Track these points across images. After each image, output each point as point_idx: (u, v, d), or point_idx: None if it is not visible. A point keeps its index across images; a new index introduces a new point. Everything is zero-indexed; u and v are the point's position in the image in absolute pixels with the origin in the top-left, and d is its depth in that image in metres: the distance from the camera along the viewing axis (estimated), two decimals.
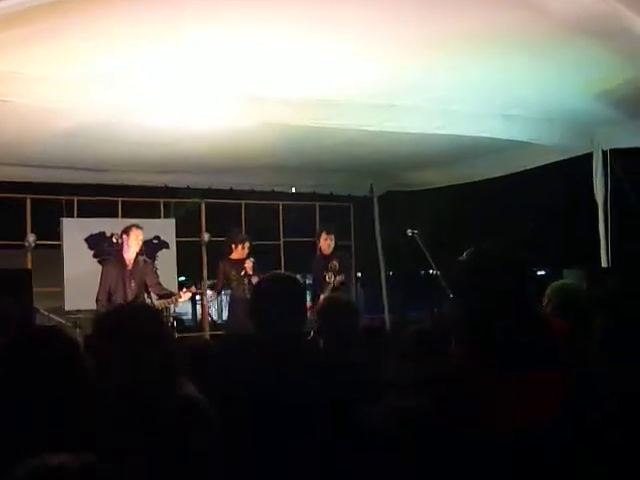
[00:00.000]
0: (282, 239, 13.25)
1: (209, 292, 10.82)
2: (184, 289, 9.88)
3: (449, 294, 9.39)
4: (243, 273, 10.38)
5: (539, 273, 11.86)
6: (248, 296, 8.33)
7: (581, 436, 2.51)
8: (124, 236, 9.54)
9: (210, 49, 6.49)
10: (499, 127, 8.97)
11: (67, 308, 10.91)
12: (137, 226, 9.60)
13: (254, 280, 9.49)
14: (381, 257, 12.99)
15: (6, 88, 6.75)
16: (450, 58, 6.90)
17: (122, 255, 9.57)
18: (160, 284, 9.77)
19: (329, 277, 10.37)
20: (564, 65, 7.18)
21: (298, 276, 4.51)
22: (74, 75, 6.85)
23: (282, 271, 4.62)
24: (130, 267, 9.51)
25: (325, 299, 5.27)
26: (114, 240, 9.91)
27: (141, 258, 9.67)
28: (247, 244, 10.73)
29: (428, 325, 5.36)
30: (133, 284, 9.39)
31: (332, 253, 10.67)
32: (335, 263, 10.41)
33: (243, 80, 7.30)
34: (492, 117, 8.83)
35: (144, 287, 9.54)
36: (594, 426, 2.53)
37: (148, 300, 9.44)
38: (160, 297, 9.69)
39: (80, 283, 11.01)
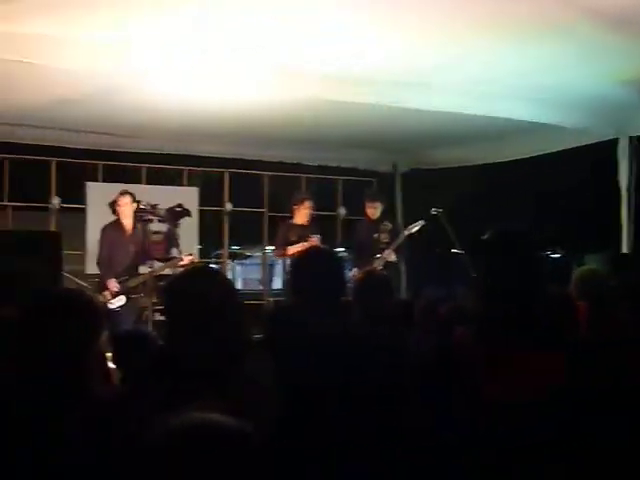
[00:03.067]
0: None
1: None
2: (185, 254, 9.95)
3: (472, 273, 9.43)
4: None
5: (557, 256, 11.86)
6: None
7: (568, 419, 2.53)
8: (117, 202, 9.75)
9: (244, 20, 6.51)
10: (526, 109, 9.00)
11: (88, 271, 10.99)
12: (126, 192, 9.80)
13: None
14: (402, 234, 12.98)
15: (36, 50, 6.77)
16: (482, 41, 6.94)
17: (120, 220, 9.77)
18: (160, 249, 9.92)
19: (383, 237, 10.75)
20: (594, 52, 7.21)
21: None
22: (103, 39, 6.88)
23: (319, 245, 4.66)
24: (129, 232, 9.68)
25: (363, 273, 5.31)
26: (142, 207, 9.96)
27: (138, 223, 9.81)
28: (308, 203, 10.74)
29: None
30: (132, 248, 9.53)
31: (380, 217, 10.95)
32: (387, 224, 10.89)
33: (275, 52, 7.32)
34: (520, 99, 8.85)
35: (146, 251, 9.64)
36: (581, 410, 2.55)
37: (149, 264, 9.53)
38: (161, 261, 9.82)
39: None
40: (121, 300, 9.37)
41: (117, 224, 9.81)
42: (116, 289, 9.41)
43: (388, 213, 11.26)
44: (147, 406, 3.17)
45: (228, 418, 1.57)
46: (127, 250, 9.61)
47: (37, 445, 2.69)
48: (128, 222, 9.71)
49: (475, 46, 7.06)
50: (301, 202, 10.73)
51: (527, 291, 2.72)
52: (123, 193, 9.77)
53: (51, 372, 2.88)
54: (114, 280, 9.46)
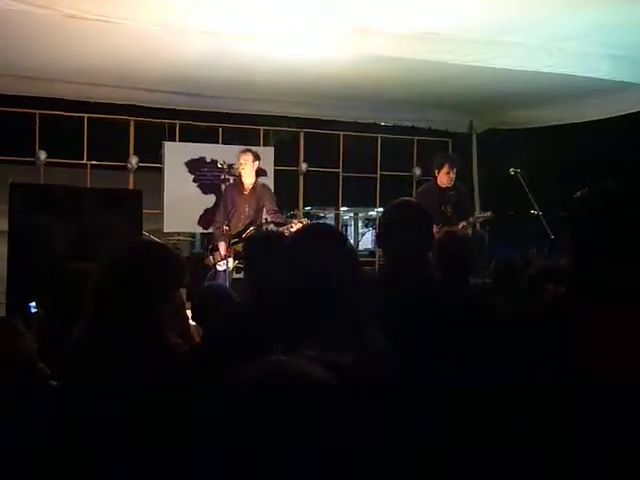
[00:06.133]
0: (379, 172, 13.22)
1: None
2: (295, 221, 9.83)
3: (550, 235, 9.34)
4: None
5: None
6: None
7: None
8: (238, 160, 9.64)
9: None
10: (607, 67, 8.78)
11: (165, 230, 11.14)
12: (245, 150, 9.68)
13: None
14: (477, 195, 12.88)
15: (117, 10, 6.83)
16: None
17: (240, 181, 9.66)
18: (277, 212, 9.80)
19: (448, 210, 9.75)
20: None
21: None
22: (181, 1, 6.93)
23: (410, 199, 4.60)
24: (247, 192, 9.61)
25: (447, 232, 5.21)
26: (219, 165, 9.94)
27: (260, 183, 9.72)
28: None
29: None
30: (247, 209, 9.50)
31: (451, 187, 9.97)
32: (453, 194, 9.86)
33: (350, 10, 7.28)
34: (600, 57, 8.65)
35: (261, 213, 9.61)
36: None
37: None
38: (275, 224, 9.78)
39: (179, 206, 11.28)
40: (230, 263, 9.33)
41: (237, 184, 9.72)
42: (224, 252, 9.41)
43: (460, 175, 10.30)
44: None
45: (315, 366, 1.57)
46: (243, 210, 9.59)
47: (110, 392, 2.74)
48: (249, 182, 9.62)
49: (554, 2, 6.94)
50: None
51: (626, 247, 2.68)
52: (244, 151, 9.67)
53: (125, 319, 2.92)
54: (224, 244, 9.45)
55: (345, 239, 3.17)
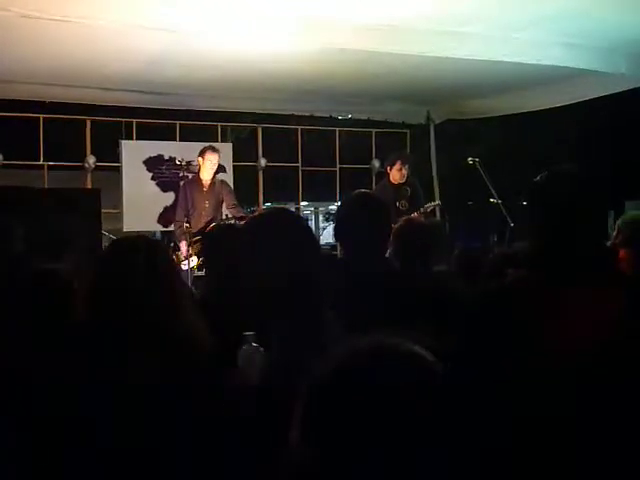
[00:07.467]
0: (338, 165, 13.22)
1: None
2: (256, 213, 9.81)
3: (510, 223, 9.41)
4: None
5: None
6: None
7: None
8: (199, 158, 9.58)
9: None
10: (563, 55, 8.86)
11: (125, 229, 11.06)
12: (212, 149, 9.62)
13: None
14: (436, 186, 12.91)
15: (71, 9, 6.79)
16: None
17: (199, 177, 9.62)
18: (237, 206, 9.78)
19: (402, 205, 9.97)
20: None
21: None
22: None
23: (365, 190, 4.60)
24: (206, 188, 9.58)
25: (405, 220, 5.22)
26: (177, 163, 9.90)
27: (218, 179, 9.68)
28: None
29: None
30: (207, 205, 9.46)
31: (404, 182, 10.16)
32: (407, 189, 10.10)
33: (305, 3, 7.27)
34: (556, 45, 8.72)
35: (221, 208, 9.58)
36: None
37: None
38: (236, 219, 9.74)
39: (138, 205, 11.22)
40: (193, 261, 9.28)
41: (195, 180, 9.69)
42: (186, 252, 9.35)
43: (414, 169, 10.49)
44: None
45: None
46: (203, 207, 9.53)
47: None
48: (207, 178, 9.57)
49: None
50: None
51: (586, 228, 2.71)
52: (213, 151, 9.59)
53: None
54: (185, 242, 9.40)
55: (306, 223, 3.00)
